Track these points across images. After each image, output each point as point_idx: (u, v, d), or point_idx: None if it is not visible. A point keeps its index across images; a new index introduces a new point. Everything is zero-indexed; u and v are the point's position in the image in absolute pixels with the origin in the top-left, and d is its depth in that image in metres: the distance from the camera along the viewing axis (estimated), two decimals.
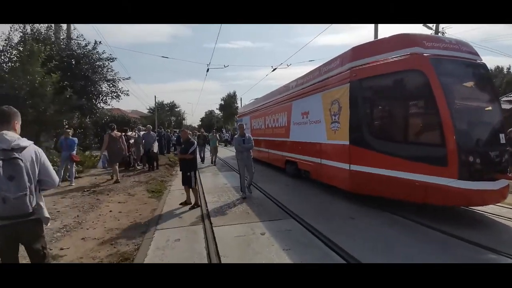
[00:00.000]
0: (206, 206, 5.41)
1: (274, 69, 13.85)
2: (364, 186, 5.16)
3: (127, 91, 9.76)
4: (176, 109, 65.65)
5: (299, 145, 7.58)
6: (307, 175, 7.30)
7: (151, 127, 10.38)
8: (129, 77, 10.22)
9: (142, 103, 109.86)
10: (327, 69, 6.21)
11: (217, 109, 58.23)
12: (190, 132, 16.76)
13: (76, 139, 7.97)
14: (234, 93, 54.60)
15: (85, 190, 6.78)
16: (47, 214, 2.09)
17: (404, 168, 4.46)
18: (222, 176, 9.19)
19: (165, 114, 58.54)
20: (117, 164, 8.27)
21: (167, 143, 17.65)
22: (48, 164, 2.05)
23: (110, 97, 9.30)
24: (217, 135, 14.68)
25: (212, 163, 12.25)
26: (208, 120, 62.24)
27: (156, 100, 46.72)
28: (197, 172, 5.59)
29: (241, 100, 49.01)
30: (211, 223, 4.36)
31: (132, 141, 10.51)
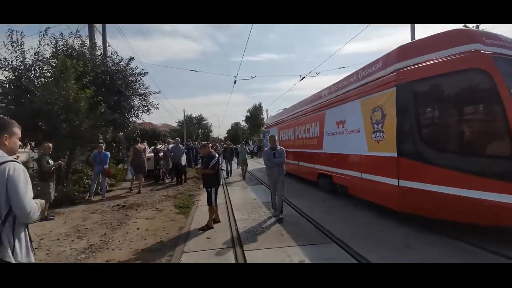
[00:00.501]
0: (236, 225, 5.00)
1: (303, 78, 13.42)
2: (416, 205, 4.43)
3: (157, 104, 9.89)
4: (203, 122, 67.47)
5: (334, 157, 6.96)
6: (344, 190, 6.63)
7: (180, 140, 10.38)
8: (159, 91, 10.48)
9: (172, 116, 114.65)
10: (366, 73, 5.64)
11: (243, 120, 58.76)
12: (215, 145, 16.65)
13: (108, 153, 8.10)
14: (260, 104, 54.80)
15: (115, 205, 6.73)
16: (12, 259, 1.49)
17: (471, 184, 3.72)
18: (251, 190, 8.78)
19: (193, 127, 60.34)
20: (142, 176, 8.74)
21: (195, 156, 17.77)
22: (18, 189, 1.52)
23: (141, 111, 9.45)
24: (247, 147, 13.88)
25: (241, 177, 11.52)
26: (234, 132, 62.98)
27: (185, 114, 48.24)
28: (218, 189, 5.02)
29: (267, 111, 48.98)
30: (242, 247, 3.92)
31: (161, 154, 10.58)
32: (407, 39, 10.71)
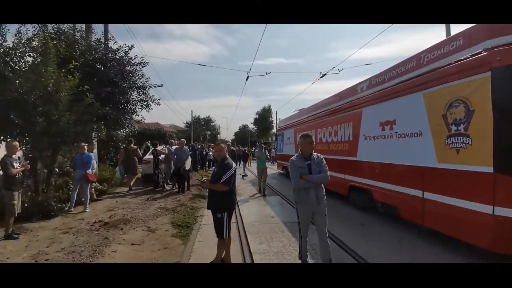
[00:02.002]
0: (251, 259, 3.56)
1: (324, 75, 11.93)
2: None
3: (158, 99, 8.54)
4: (211, 124, 66.55)
5: (376, 167, 5.44)
6: (390, 211, 5.11)
7: (185, 141, 8.98)
8: (162, 85, 9.12)
9: (179, 117, 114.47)
10: (434, 55, 4.14)
11: (251, 123, 57.43)
12: (229, 147, 15.06)
13: (92, 154, 6.79)
14: (269, 107, 53.42)
15: (98, 220, 5.37)
16: None
17: None
18: (266, 203, 7.30)
19: (201, 129, 59.40)
20: (134, 177, 8.90)
21: (202, 159, 16.42)
22: None
23: (139, 106, 8.13)
24: (266, 152, 10.26)
25: (260, 192, 8.56)
26: (242, 135, 61.66)
27: (193, 115, 47.23)
28: (232, 214, 3.40)
29: (276, 114, 47.59)
30: None
31: (162, 156, 9.24)
32: (417, 45, 9.12)
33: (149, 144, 13.14)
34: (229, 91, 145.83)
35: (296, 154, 3.27)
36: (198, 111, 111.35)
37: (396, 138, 4.85)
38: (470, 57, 3.47)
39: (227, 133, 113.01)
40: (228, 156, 3.43)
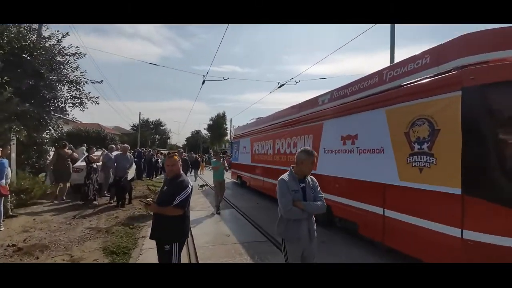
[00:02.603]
0: None
1: (282, 85, 11.95)
2: None
3: (97, 97, 7.26)
4: (161, 127, 62.81)
5: (335, 181, 5.33)
6: (348, 226, 5.02)
7: (128, 146, 7.76)
8: (102, 81, 7.78)
9: (124, 119, 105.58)
10: (398, 73, 4.17)
11: (204, 129, 55.88)
12: (181, 154, 14.05)
13: (6, 161, 5.34)
14: (224, 113, 52.81)
15: (9, 245, 4.16)
16: None
17: None
18: (220, 218, 6.66)
19: (149, 132, 55.44)
20: (66, 186, 7.97)
21: (149, 166, 14.92)
22: None
23: (70, 104, 6.78)
24: (225, 161, 8.71)
25: (214, 208, 7.21)
26: (194, 140, 59.46)
27: (141, 117, 43.80)
28: (184, 245, 2.80)
29: (231, 121, 47.22)
30: None
31: (97, 165, 7.89)
32: (361, 67, 9.96)
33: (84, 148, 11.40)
34: (183, 95, 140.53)
35: (288, 173, 2.60)
36: (147, 114, 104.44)
37: (358, 153, 4.79)
38: (438, 75, 3.51)
39: (178, 138, 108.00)
40: (182, 171, 2.79)
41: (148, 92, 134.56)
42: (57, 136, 7.89)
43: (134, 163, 12.86)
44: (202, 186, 12.11)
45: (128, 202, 7.45)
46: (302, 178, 2.56)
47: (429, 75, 3.59)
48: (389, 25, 8.35)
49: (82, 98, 6.98)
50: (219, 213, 6.97)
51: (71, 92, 6.83)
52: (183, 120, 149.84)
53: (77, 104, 6.93)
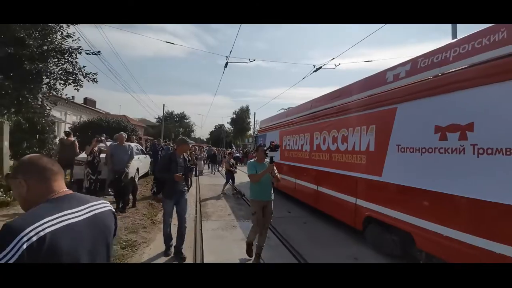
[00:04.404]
0: None
1: (318, 69, 9.99)
2: None
3: (95, 74, 5.85)
4: (185, 120, 62.94)
5: (419, 197, 3.46)
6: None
7: (125, 135, 6.29)
8: (99, 52, 6.36)
9: (148, 111, 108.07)
10: None
11: (228, 122, 54.93)
12: (196, 148, 12.66)
13: None
14: (247, 107, 51.45)
15: None
16: None
17: None
18: (240, 234, 5.02)
19: (173, 125, 55.61)
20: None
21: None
22: None
23: (61, 81, 5.45)
24: (273, 164, 3.82)
25: (255, 257, 3.79)
26: (218, 134, 58.78)
27: (165, 110, 43.59)
28: None
29: (254, 115, 45.65)
30: None
31: (103, 156, 6.64)
32: (391, 61, 7.65)
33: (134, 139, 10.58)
34: (206, 89, 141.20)
35: None
36: (172, 107, 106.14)
37: (473, 154, 2.88)
38: None
39: (201, 131, 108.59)
40: None
41: (173, 86, 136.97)
42: (45, 119, 6.61)
43: (148, 156, 11.77)
44: (237, 193, 8.91)
45: (131, 205, 6.07)
46: None
47: None
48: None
49: (77, 74, 5.62)
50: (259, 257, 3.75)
51: (61, 65, 5.48)
52: (206, 114, 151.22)
53: (69, 82, 5.59)
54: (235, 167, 9.89)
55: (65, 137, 7.58)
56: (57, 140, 9.18)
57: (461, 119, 3.05)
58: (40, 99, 5.57)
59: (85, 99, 29.52)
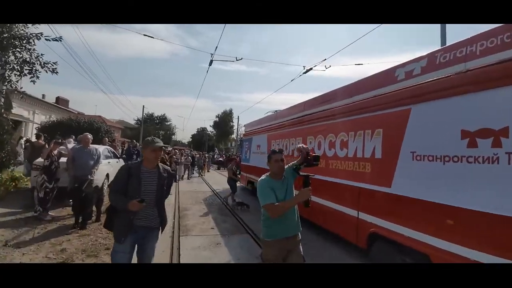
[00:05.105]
0: None
1: (308, 70, 9.54)
2: None
3: (55, 64, 4.92)
4: (166, 123, 60.89)
5: (441, 214, 2.94)
6: None
7: (91, 136, 5.36)
8: (61, 38, 5.43)
9: (127, 114, 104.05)
10: None
11: (210, 126, 53.79)
12: (175, 151, 11.80)
13: None
14: (231, 111, 50.71)
15: None
16: None
17: None
18: (226, 254, 4.30)
19: (153, 127, 53.49)
20: None
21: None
22: None
23: (16, 72, 4.50)
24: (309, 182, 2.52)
25: None
26: (200, 137, 57.31)
27: (144, 111, 41.74)
28: None
29: (238, 118, 45.02)
30: None
31: (63, 160, 5.65)
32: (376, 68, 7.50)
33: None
34: (186, 91, 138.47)
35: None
36: (153, 109, 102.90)
37: (510, 164, 2.39)
38: None
39: (183, 134, 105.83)
40: None
41: (154, 87, 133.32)
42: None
43: (122, 161, 10.65)
44: (240, 205, 7.84)
45: (95, 219, 5.14)
46: None
47: None
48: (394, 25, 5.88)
49: (34, 64, 4.67)
50: None
51: (18, 53, 4.53)
52: (187, 117, 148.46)
53: (25, 72, 4.64)
54: (239, 175, 9.13)
55: (36, 140, 7.26)
56: (22, 141, 8.85)
57: (494, 123, 2.56)
58: None
59: (57, 98, 27.47)
